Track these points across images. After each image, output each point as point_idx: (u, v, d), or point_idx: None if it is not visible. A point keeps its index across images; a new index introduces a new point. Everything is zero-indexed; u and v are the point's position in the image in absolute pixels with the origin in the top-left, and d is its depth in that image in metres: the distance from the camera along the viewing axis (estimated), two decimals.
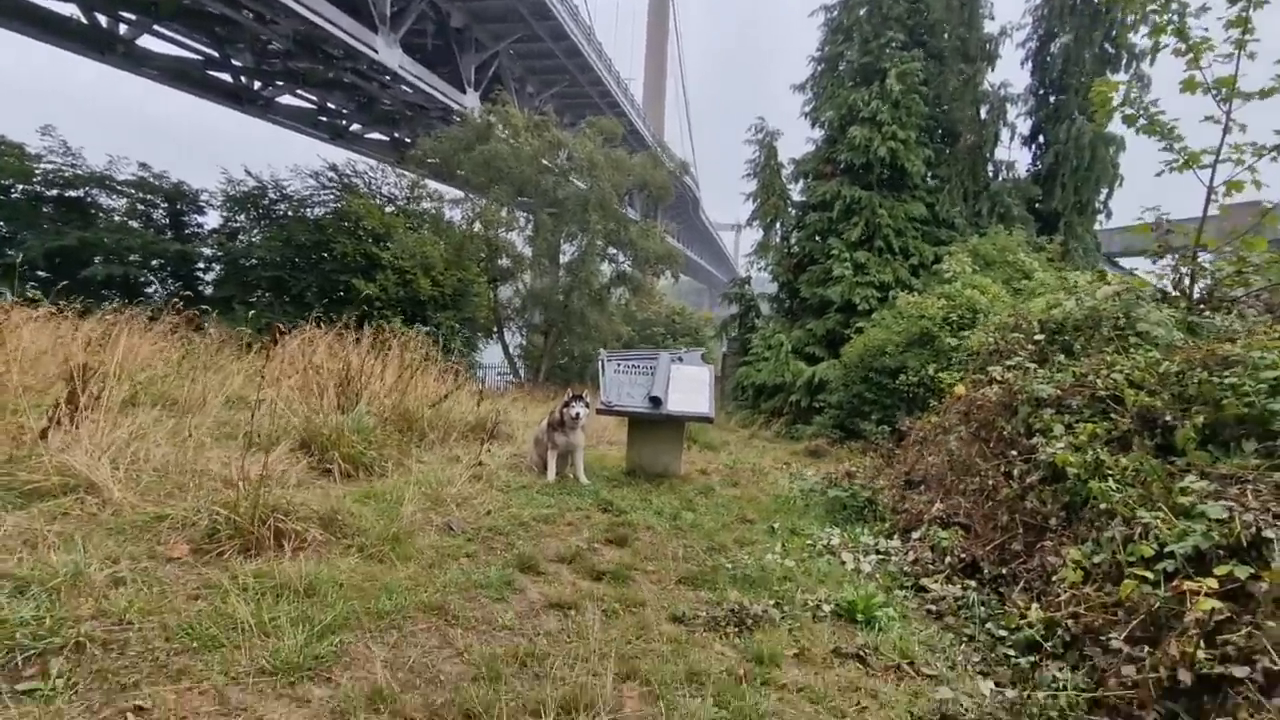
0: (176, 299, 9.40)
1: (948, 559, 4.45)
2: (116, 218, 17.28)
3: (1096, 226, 17.24)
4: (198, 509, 3.78)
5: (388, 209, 19.39)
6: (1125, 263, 15.42)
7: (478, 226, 20.96)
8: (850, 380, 12.84)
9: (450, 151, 21.41)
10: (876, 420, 11.72)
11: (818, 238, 16.56)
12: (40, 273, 14.61)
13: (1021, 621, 3.45)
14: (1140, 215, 5.68)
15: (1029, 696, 2.85)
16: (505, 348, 24.58)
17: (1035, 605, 3.54)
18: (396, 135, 34.80)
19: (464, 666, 2.71)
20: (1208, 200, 5.25)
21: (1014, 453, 4.84)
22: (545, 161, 21.63)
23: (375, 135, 35.61)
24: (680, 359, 7.21)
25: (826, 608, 3.74)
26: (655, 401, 6.62)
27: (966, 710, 2.74)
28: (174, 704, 2.19)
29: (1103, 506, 3.69)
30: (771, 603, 3.74)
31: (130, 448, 4.49)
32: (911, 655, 3.21)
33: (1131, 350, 4.88)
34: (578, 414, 6.08)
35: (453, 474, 5.44)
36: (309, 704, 2.30)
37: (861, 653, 3.22)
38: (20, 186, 15.97)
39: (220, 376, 7.69)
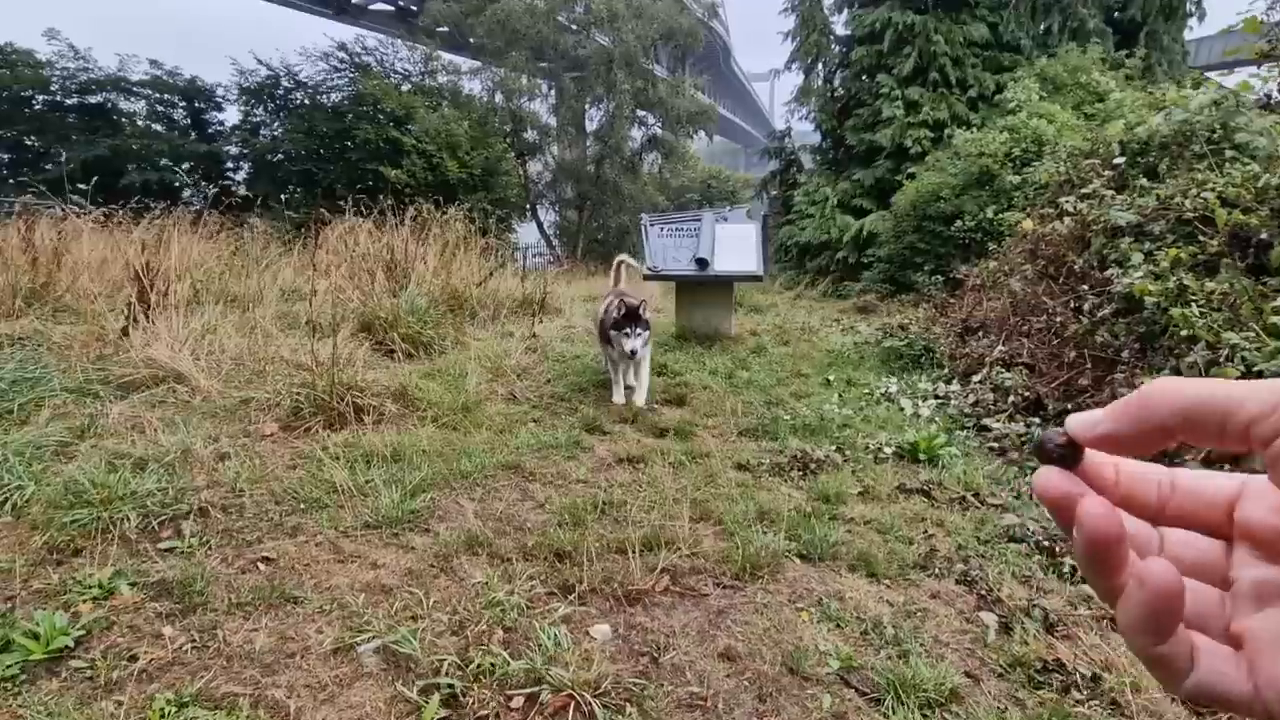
0: (222, 197, 9.42)
1: (1010, 398, 4.42)
2: (140, 121, 17.07)
3: (1186, 34, 15.21)
4: (279, 391, 3.98)
5: (403, 87, 18.56)
6: (1221, 80, 13.75)
7: (499, 97, 19.99)
8: (901, 231, 12.29)
9: (461, 15, 20.00)
10: (930, 271, 11.33)
11: (865, 76, 15.24)
12: (80, 185, 14.78)
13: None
14: (1240, 14, 4.93)
15: None
16: (540, 226, 24.26)
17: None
18: (402, 3, 32.57)
19: (547, 515, 2.89)
20: None
21: (1085, 287, 4.62)
22: (562, 19, 20.05)
23: (379, 5, 33.42)
24: (725, 218, 6.96)
25: (888, 450, 3.81)
26: (702, 263, 6.50)
27: (1033, 532, 2.82)
28: (295, 554, 2.42)
29: (1184, 333, 3.54)
30: (833, 448, 3.83)
31: (205, 340, 4.70)
32: (977, 487, 3.27)
33: (1227, 166, 4.44)
34: (633, 350, 4.32)
35: (509, 348, 5.56)
36: (414, 550, 2.51)
37: (926, 488, 3.30)
38: (40, 97, 15.78)
39: (272, 271, 7.85)
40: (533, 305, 6.98)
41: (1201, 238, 4.05)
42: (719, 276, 6.55)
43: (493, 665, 1.83)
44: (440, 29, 20.85)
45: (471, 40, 20.16)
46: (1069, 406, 4.09)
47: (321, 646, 1.91)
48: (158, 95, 17.24)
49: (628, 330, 4.30)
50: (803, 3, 15.99)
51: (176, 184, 16.56)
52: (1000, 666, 1.99)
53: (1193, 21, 14.83)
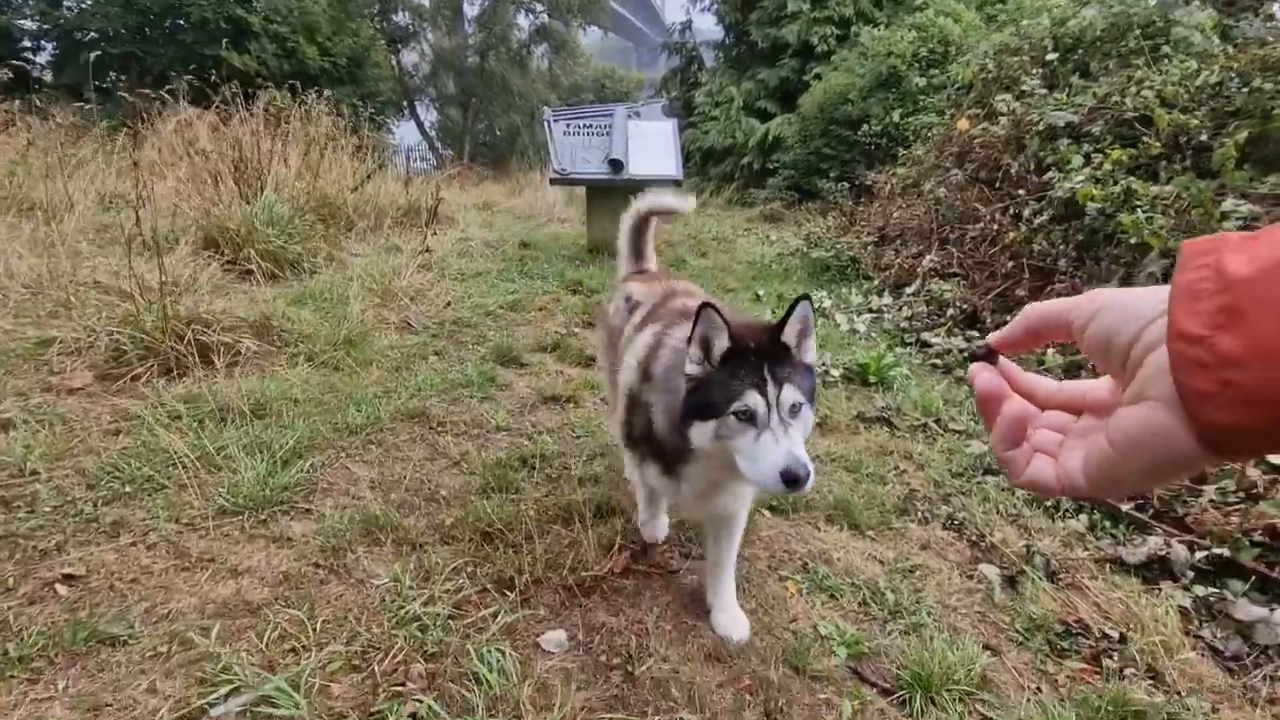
0: (14, 80, 7.37)
1: (949, 311, 4.25)
2: None
3: None
4: (92, 329, 3.06)
5: None
6: None
7: None
8: (808, 135, 11.95)
9: None
10: (835, 178, 11.13)
11: None
12: None
13: (1039, 367, 3.30)
14: None
15: None
16: (420, 125, 21.88)
17: (1050, 350, 3.39)
18: None
19: (466, 478, 2.34)
20: None
21: (1021, 192, 4.45)
22: None
23: None
24: (638, 113, 6.24)
25: (835, 372, 3.52)
26: (616, 165, 5.81)
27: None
28: (116, 565, 1.75)
29: (1132, 241, 3.40)
30: None
31: None
32: (936, 412, 3.05)
33: (1163, 63, 4.29)
34: (793, 474, 1.26)
35: (397, 265, 4.73)
36: (290, 543, 1.91)
37: (885, 415, 3.04)
38: None
39: (87, 172, 6.31)
40: (422, 214, 6.04)
41: (1143, 140, 3.90)
42: (635, 181, 5.89)
43: (414, 717, 1.34)
44: None
45: None
46: (1007, 319, 3.94)
47: (155, 718, 1.32)
48: None
49: (759, 405, 1.31)
50: None
51: None
52: (1018, 632, 1.74)
53: None
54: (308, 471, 2.26)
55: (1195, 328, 0.38)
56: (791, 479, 1.21)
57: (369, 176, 6.31)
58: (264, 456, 2.26)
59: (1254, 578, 1.86)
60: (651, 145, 5.96)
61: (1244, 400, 0.37)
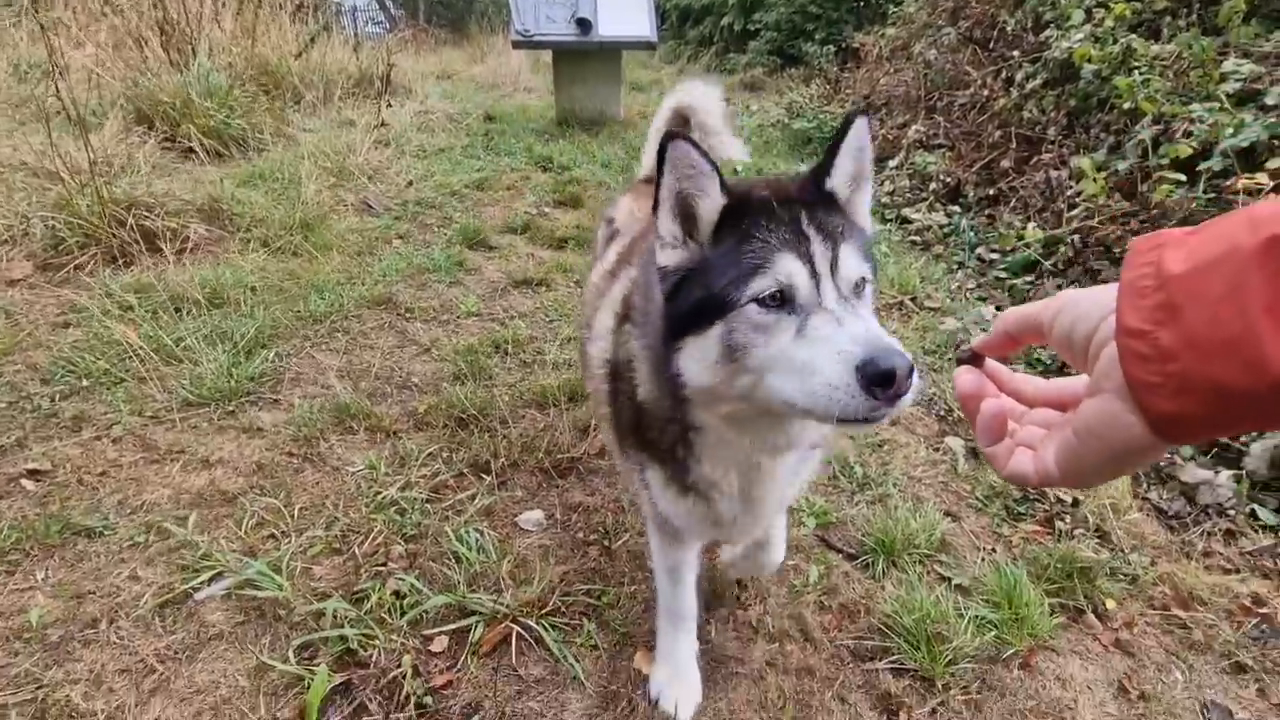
0: None
1: (931, 185, 4.12)
2: None
3: None
4: (24, 215, 2.85)
5: None
6: None
7: None
8: None
9: None
10: (821, 40, 10.41)
11: None
12: None
13: (1018, 243, 3.26)
14: None
15: None
16: None
17: (1031, 224, 3.33)
18: None
19: (437, 364, 2.30)
20: None
21: (1016, 54, 4.18)
22: None
23: None
24: None
25: None
26: (584, 25, 5.32)
27: (974, 337, 2.65)
28: (81, 459, 1.72)
29: (1125, 106, 3.25)
30: None
31: None
32: (913, 290, 3.03)
33: None
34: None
35: (351, 141, 4.40)
36: (261, 433, 1.88)
37: None
38: None
39: None
40: (376, 84, 5.57)
41: None
42: (605, 43, 5.44)
43: (398, 597, 1.38)
44: None
45: None
46: (990, 192, 3.85)
47: (140, 602, 1.35)
48: None
49: (797, 274, 0.81)
50: None
51: None
52: (978, 499, 1.82)
53: None
54: (273, 362, 2.20)
55: (1138, 323, 0.41)
56: (882, 376, 0.68)
57: (313, 40, 5.73)
58: (225, 347, 2.19)
59: (1202, 443, 1.94)
60: (622, 2, 5.44)
61: (1183, 390, 0.39)
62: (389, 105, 5.19)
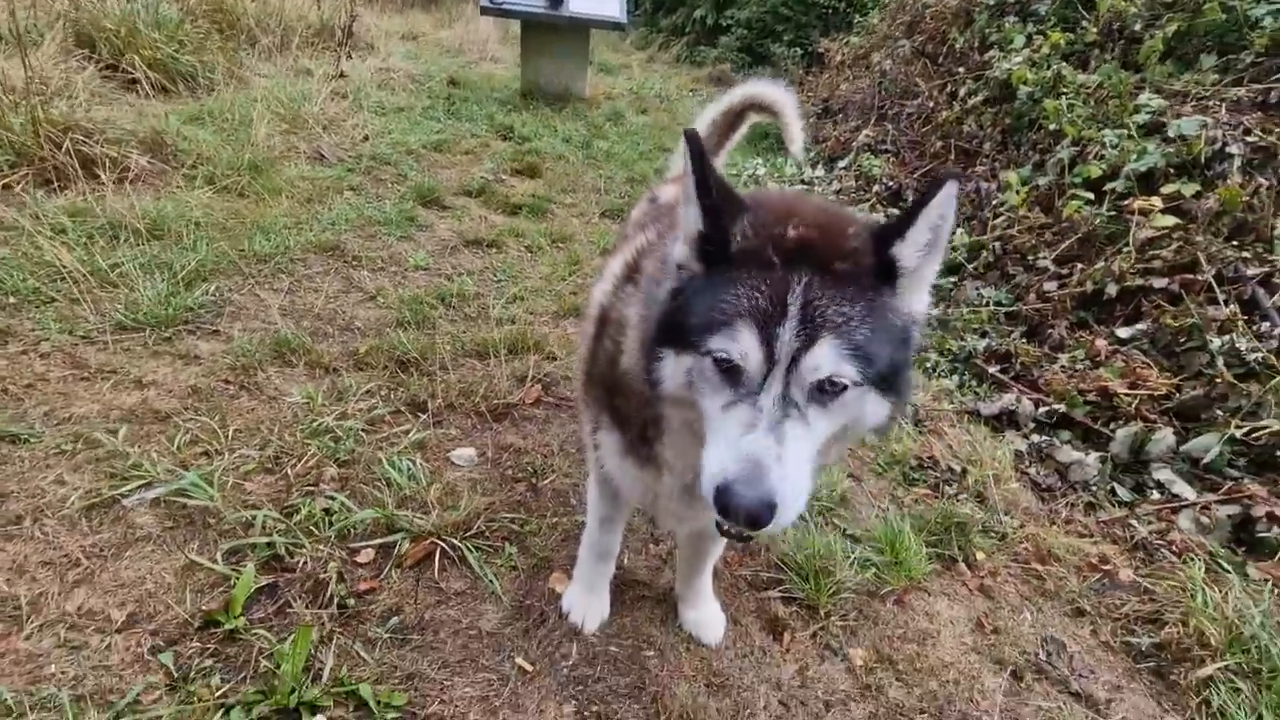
0: None
1: (875, 187, 4.33)
2: None
3: None
4: None
5: None
6: None
7: None
8: None
9: None
10: (789, 42, 10.66)
11: None
12: None
13: None
14: None
15: (950, 312, 2.99)
16: None
17: (960, 230, 3.57)
18: None
19: (381, 311, 2.34)
20: None
21: (961, 71, 4.44)
22: None
23: None
24: None
25: None
26: (554, 0, 5.33)
27: None
28: (6, 370, 1.71)
29: (1051, 128, 3.51)
30: None
31: None
32: None
33: None
34: None
35: (307, 90, 4.32)
36: (198, 360, 1.90)
37: None
38: None
39: None
40: (337, 34, 5.44)
41: (1083, 24, 3.91)
42: (575, 19, 5.46)
43: (327, 512, 1.44)
44: None
45: None
46: None
47: (67, 504, 1.37)
48: None
49: (749, 351, 0.77)
50: None
51: None
52: (879, 465, 1.99)
53: None
54: (213, 295, 2.20)
55: None
56: (723, 509, 0.70)
57: None
58: (164, 276, 2.18)
59: (1079, 429, 2.17)
60: None
61: None
62: (349, 57, 5.09)
